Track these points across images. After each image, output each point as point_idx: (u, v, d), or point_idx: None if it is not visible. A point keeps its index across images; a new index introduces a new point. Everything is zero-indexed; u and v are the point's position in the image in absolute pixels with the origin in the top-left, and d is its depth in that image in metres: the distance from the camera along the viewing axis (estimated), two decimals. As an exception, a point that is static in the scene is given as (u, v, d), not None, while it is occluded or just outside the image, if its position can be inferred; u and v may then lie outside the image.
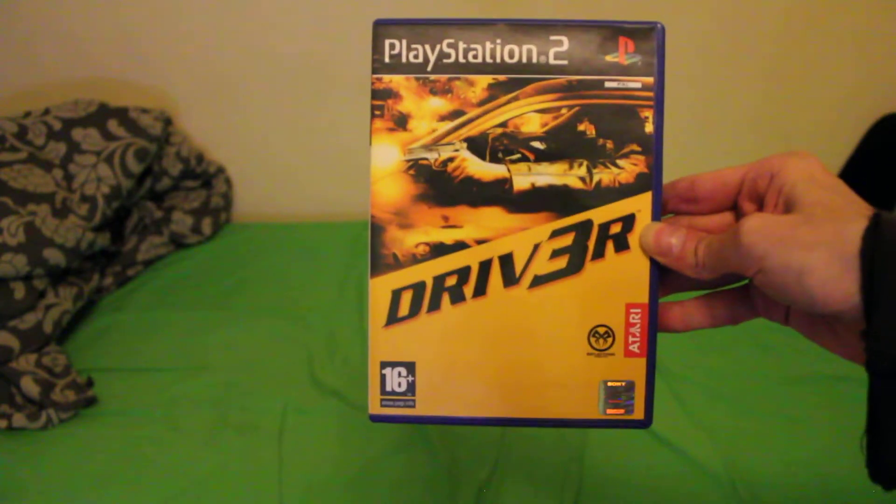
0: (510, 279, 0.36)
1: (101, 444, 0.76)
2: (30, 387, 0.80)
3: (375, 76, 0.36)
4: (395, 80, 0.36)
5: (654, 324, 0.36)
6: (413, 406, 0.37)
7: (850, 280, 0.26)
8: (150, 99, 1.12)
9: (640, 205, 0.35)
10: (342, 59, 1.09)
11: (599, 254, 0.35)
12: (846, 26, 1.07)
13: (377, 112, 0.36)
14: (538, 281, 0.36)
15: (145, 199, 1.09)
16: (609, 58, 0.35)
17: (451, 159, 0.36)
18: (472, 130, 0.36)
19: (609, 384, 0.36)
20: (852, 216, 0.27)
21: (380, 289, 0.36)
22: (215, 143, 1.19)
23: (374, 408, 0.37)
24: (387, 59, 0.36)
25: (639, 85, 0.35)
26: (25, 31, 1.10)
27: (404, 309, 0.36)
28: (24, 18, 1.09)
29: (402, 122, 0.36)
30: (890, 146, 1.11)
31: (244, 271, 1.06)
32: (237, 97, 1.15)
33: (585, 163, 0.35)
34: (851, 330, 0.28)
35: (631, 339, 0.36)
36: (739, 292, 0.35)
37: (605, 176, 0.35)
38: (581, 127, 0.35)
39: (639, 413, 0.36)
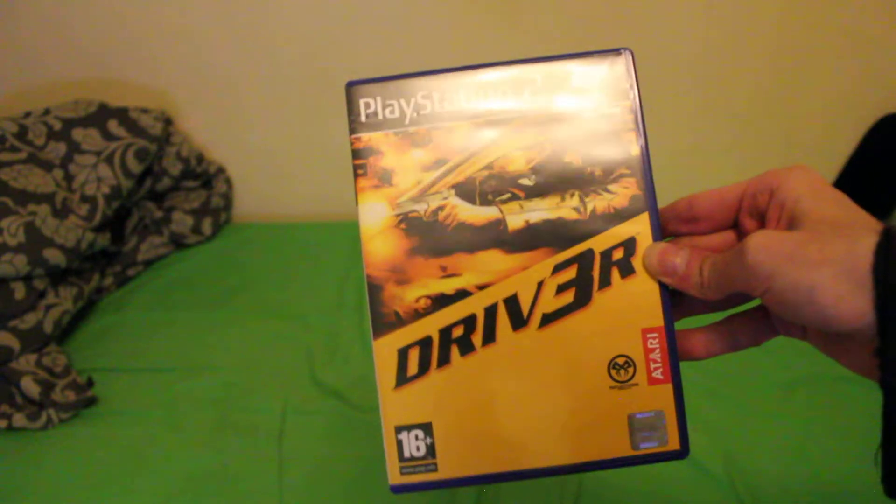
0: (518, 321, 0.34)
1: (101, 444, 0.76)
2: (30, 387, 0.80)
3: (354, 136, 0.36)
4: (375, 138, 0.35)
5: (674, 346, 0.35)
6: (435, 470, 0.35)
7: (862, 297, 0.25)
8: (150, 99, 1.12)
9: (639, 227, 0.35)
10: (342, 59, 1.09)
11: (606, 282, 0.34)
12: (846, 26, 1.06)
13: (360, 171, 0.35)
14: (547, 319, 0.34)
15: (145, 199, 1.09)
16: (584, 87, 0.35)
17: (441, 208, 0.35)
18: (459, 177, 0.35)
19: (637, 417, 0.34)
20: (861, 231, 0.26)
21: (385, 350, 0.35)
22: (215, 143, 1.19)
23: (395, 477, 0.36)
24: (363, 119, 0.36)
25: (617, 110, 0.35)
26: (25, 31, 1.10)
27: (413, 367, 0.35)
28: (24, 18, 1.09)
29: (386, 177, 0.35)
30: (890, 146, 1.11)
31: (244, 271, 1.06)
32: (237, 97, 1.15)
33: (577, 193, 0.35)
34: (864, 347, 0.28)
35: (653, 365, 0.35)
36: (758, 312, 0.34)
37: (598, 203, 0.35)
38: (567, 158, 0.35)
39: (673, 443, 0.35)
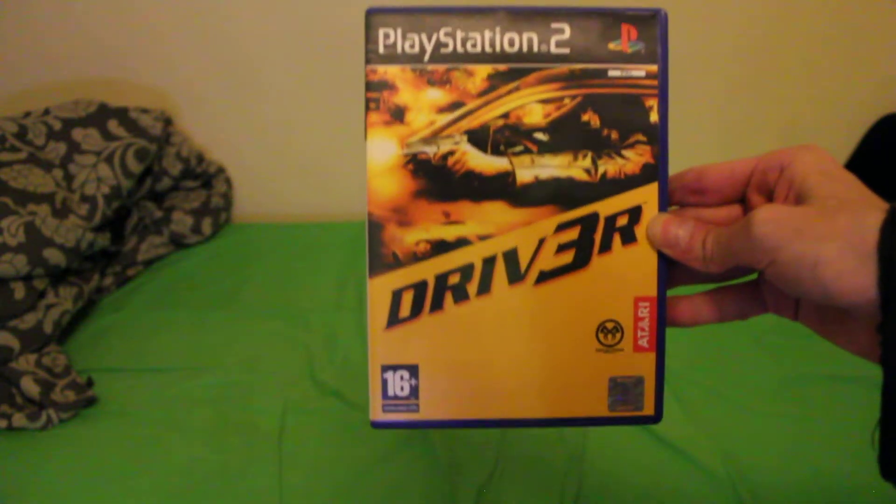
0: (515, 276, 0.34)
1: (101, 444, 0.76)
2: (30, 387, 0.80)
3: (369, 67, 0.34)
4: (391, 71, 0.34)
5: (663, 318, 0.35)
6: (417, 410, 0.35)
7: (866, 273, 0.25)
8: (150, 99, 1.12)
9: (647, 196, 0.34)
10: (342, 58, 1.09)
11: (606, 247, 0.34)
12: (846, 26, 1.07)
13: (372, 105, 0.34)
14: (544, 277, 0.34)
15: (145, 199, 1.09)
16: (612, 45, 0.34)
17: (451, 153, 0.34)
18: (473, 122, 0.34)
19: (618, 380, 0.35)
20: (868, 209, 0.27)
21: (379, 289, 0.35)
22: (215, 143, 1.19)
23: (376, 413, 0.35)
24: (381, 50, 0.34)
25: (643, 73, 0.34)
26: (25, 31, 1.10)
27: (405, 310, 0.35)
28: (24, 18, 1.09)
29: (398, 114, 0.34)
30: (890, 146, 1.11)
31: (244, 271, 1.06)
32: (237, 97, 1.15)
33: (590, 154, 0.34)
34: (865, 325, 0.28)
35: (640, 333, 0.35)
36: (749, 287, 0.35)
37: (610, 167, 0.34)
38: (585, 117, 0.34)
39: (648, 409, 0.35)
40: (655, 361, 0.35)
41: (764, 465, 0.70)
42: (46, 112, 1.00)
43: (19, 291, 0.87)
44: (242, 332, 0.93)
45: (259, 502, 0.70)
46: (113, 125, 1.02)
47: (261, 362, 0.88)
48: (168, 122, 1.10)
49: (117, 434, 0.78)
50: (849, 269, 0.26)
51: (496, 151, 0.34)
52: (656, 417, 0.36)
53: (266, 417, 0.79)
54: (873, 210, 0.26)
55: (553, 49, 0.34)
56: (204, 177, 1.16)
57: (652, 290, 0.35)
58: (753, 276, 0.35)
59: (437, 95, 0.34)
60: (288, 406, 0.80)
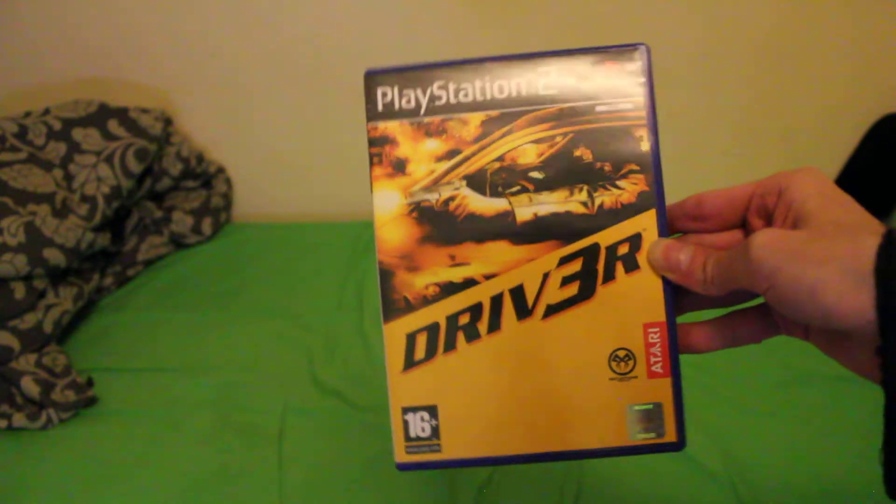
0: (523, 311, 0.35)
1: (101, 444, 0.76)
2: (30, 387, 0.80)
3: (370, 124, 0.36)
4: (390, 127, 0.36)
5: (675, 341, 0.35)
6: (439, 450, 0.36)
7: (864, 296, 0.25)
8: (150, 99, 1.12)
9: (646, 223, 0.35)
10: (342, 58, 1.09)
11: (610, 276, 0.35)
12: (845, 26, 1.06)
13: (375, 159, 0.36)
14: (551, 310, 0.35)
15: (145, 199, 1.09)
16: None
17: (452, 198, 0.36)
18: (470, 167, 0.36)
19: (636, 408, 0.35)
20: (865, 232, 0.27)
21: (394, 334, 0.36)
22: (215, 143, 1.19)
23: (400, 456, 0.36)
24: (380, 108, 0.36)
25: (630, 106, 0.35)
26: (25, 31, 1.10)
27: (420, 352, 0.36)
28: (24, 18, 1.09)
29: (400, 166, 0.36)
30: (890, 146, 1.11)
31: (244, 271, 1.06)
32: (237, 97, 1.15)
33: (586, 188, 0.35)
34: (865, 347, 0.28)
35: (653, 359, 0.35)
36: (760, 310, 0.35)
37: (606, 198, 0.35)
38: (577, 153, 0.35)
39: (670, 435, 0.35)
40: (672, 386, 0.35)
41: (764, 465, 0.70)
42: (46, 112, 1.00)
43: (19, 291, 0.87)
44: (242, 332, 0.93)
45: (259, 502, 0.70)
46: (113, 125, 1.02)
47: (261, 362, 0.88)
48: (168, 122, 1.10)
49: (117, 434, 0.78)
50: (846, 292, 0.26)
51: (495, 193, 0.36)
52: (679, 444, 0.36)
53: (266, 417, 0.79)
54: (870, 234, 0.26)
55: (541, 91, 0.36)
56: (204, 177, 1.16)
57: (660, 316, 0.35)
58: (761, 300, 0.35)
59: (435, 145, 0.36)
60: (288, 406, 0.80)
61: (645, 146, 0.35)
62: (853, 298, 0.26)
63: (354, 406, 0.80)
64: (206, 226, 1.11)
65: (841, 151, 1.16)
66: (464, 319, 0.35)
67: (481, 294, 0.35)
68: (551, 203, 0.35)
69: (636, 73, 0.36)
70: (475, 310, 0.35)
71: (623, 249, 0.35)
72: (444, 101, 0.36)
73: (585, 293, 0.35)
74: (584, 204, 0.35)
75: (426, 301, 0.36)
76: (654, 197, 0.35)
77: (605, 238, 0.35)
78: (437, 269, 0.36)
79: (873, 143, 1.13)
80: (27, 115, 1.00)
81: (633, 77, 0.36)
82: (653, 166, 0.35)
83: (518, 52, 0.36)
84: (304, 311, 0.96)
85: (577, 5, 1.04)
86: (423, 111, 0.36)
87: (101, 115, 1.02)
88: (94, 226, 0.96)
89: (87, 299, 0.96)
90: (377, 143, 0.36)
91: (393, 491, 0.70)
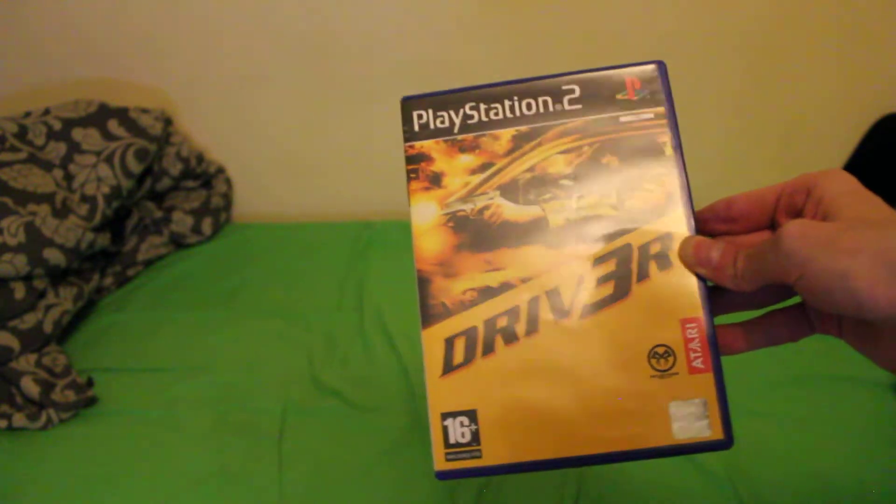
0: (560, 312, 0.36)
1: (101, 444, 0.76)
2: (30, 387, 0.80)
3: (408, 144, 0.38)
4: (426, 145, 0.38)
5: (714, 336, 0.35)
6: (480, 456, 0.35)
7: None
8: (150, 99, 1.12)
9: (675, 222, 0.36)
10: (342, 59, 1.09)
11: (644, 275, 0.36)
12: (845, 25, 1.06)
13: (412, 175, 0.38)
14: (588, 310, 0.36)
15: (145, 199, 1.09)
16: (619, 96, 0.38)
17: (486, 207, 0.37)
18: (503, 178, 0.37)
19: (679, 405, 0.35)
20: (894, 225, 0.27)
21: (432, 339, 0.36)
22: (215, 143, 1.19)
23: (440, 463, 0.36)
24: (416, 129, 0.39)
25: (651, 115, 0.37)
26: (26, 31, 1.10)
27: (459, 356, 0.36)
28: (24, 18, 1.09)
29: (436, 180, 0.38)
30: (890, 146, 1.11)
31: (244, 271, 1.06)
32: (237, 97, 1.15)
33: (615, 191, 0.37)
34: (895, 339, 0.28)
35: (692, 354, 0.35)
36: (795, 309, 0.35)
37: (635, 201, 0.36)
38: (605, 160, 0.37)
39: (716, 433, 0.35)
40: (715, 381, 0.35)
41: (764, 466, 0.70)
42: (46, 112, 1.00)
43: (19, 291, 0.87)
44: (242, 332, 0.93)
45: (259, 502, 0.70)
46: (113, 125, 1.02)
47: (261, 362, 0.88)
48: (168, 122, 1.10)
49: (117, 434, 0.78)
50: (879, 281, 0.26)
51: (527, 201, 0.37)
52: (727, 442, 0.35)
53: (266, 417, 0.79)
54: None
55: (567, 107, 0.38)
56: (204, 177, 1.16)
57: (697, 311, 0.35)
58: (798, 300, 0.35)
59: (469, 160, 0.38)
60: (288, 406, 0.80)
61: (668, 150, 0.37)
62: (885, 287, 0.26)
63: (354, 406, 0.80)
64: (206, 226, 1.12)
65: (841, 151, 1.16)
66: (501, 322, 0.36)
67: (518, 297, 0.36)
68: (582, 208, 0.37)
69: (655, 85, 0.38)
70: (512, 313, 0.36)
71: (655, 248, 0.36)
72: (476, 119, 0.38)
73: (621, 292, 0.36)
74: (614, 206, 0.36)
75: (464, 306, 0.36)
76: (681, 197, 0.36)
77: (636, 238, 0.36)
78: (473, 275, 0.37)
79: (873, 143, 1.13)
80: (27, 115, 1.00)
81: (652, 89, 0.38)
82: (678, 167, 0.37)
83: (542, 74, 0.39)
84: (304, 311, 0.96)
85: (582, 7, 1.04)
86: (456, 129, 0.38)
87: (101, 115, 1.02)
88: (94, 226, 0.96)
89: (87, 299, 0.96)
90: (414, 161, 0.38)
91: (393, 491, 0.70)
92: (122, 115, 1.03)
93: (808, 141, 1.17)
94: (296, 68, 1.11)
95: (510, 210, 0.37)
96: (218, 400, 0.82)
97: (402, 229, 1.09)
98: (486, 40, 1.07)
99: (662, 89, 0.38)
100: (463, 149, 0.38)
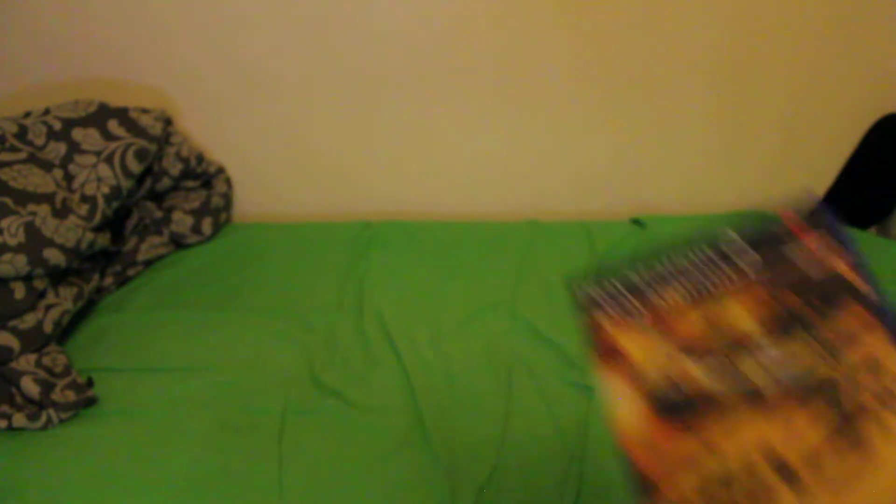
0: (791, 480, 0.32)
1: (101, 444, 0.76)
2: (30, 387, 0.80)
3: (582, 320, 0.38)
4: (597, 317, 0.38)
5: None
6: None
7: None
8: (150, 99, 1.12)
9: (876, 344, 0.33)
10: (342, 60, 1.09)
11: (882, 426, 0.32)
12: (846, 26, 1.07)
13: (593, 350, 0.37)
14: (825, 478, 0.32)
15: (145, 199, 1.09)
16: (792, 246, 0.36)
17: (683, 381, 0.35)
18: (688, 343, 0.36)
19: None
20: None
21: None
22: (215, 143, 1.19)
23: None
24: (586, 305, 0.38)
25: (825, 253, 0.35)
26: (26, 32, 1.10)
27: None
28: (24, 19, 1.09)
29: (618, 356, 0.36)
30: (890, 146, 1.11)
31: (244, 271, 1.06)
32: (237, 97, 1.15)
33: (806, 333, 0.34)
34: None
35: None
36: None
37: (828, 332, 0.34)
38: (789, 301, 0.35)
39: None
40: None
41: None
42: (46, 112, 1.00)
43: (19, 291, 0.87)
44: (242, 332, 0.93)
45: (259, 502, 0.70)
46: (113, 125, 1.02)
47: (261, 362, 0.88)
48: (168, 122, 1.10)
49: (117, 434, 0.78)
50: None
51: (724, 367, 0.35)
52: None
53: (266, 418, 0.79)
54: None
55: (726, 250, 0.37)
56: (204, 177, 1.16)
57: None
58: None
59: (649, 330, 0.37)
60: (288, 406, 0.80)
61: (842, 267, 0.35)
62: None
63: (354, 406, 0.80)
64: (206, 226, 1.11)
65: (841, 151, 1.16)
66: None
67: (738, 471, 0.33)
68: (782, 362, 0.34)
69: (825, 241, 0.36)
70: (743, 490, 0.33)
71: (867, 381, 0.32)
72: (646, 292, 0.37)
73: (862, 453, 0.32)
74: (810, 346, 0.34)
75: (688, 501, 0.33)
76: (877, 315, 0.33)
77: (842, 373, 0.33)
78: (695, 464, 0.33)
79: (873, 143, 1.13)
80: (27, 115, 1.00)
81: (824, 244, 0.36)
82: (863, 285, 0.34)
83: (713, 251, 0.38)
84: (304, 311, 0.96)
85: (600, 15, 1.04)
86: (627, 303, 0.37)
87: (101, 115, 1.02)
88: (94, 226, 0.96)
89: (87, 299, 0.96)
90: (592, 335, 0.37)
91: (393, 491, 0.70)
92: (122, 115, 1.03)
93: (808, 141, 1.17)
94: (296, 69, 1.11)
95: (708, 380, 0.35)
96: (218, 400, 0.82)
97: (402, 229, 1.09)
98: (487, 40, 1.07)
99: (838, 242, 0.36)
100: (639, 320, 0.37)
